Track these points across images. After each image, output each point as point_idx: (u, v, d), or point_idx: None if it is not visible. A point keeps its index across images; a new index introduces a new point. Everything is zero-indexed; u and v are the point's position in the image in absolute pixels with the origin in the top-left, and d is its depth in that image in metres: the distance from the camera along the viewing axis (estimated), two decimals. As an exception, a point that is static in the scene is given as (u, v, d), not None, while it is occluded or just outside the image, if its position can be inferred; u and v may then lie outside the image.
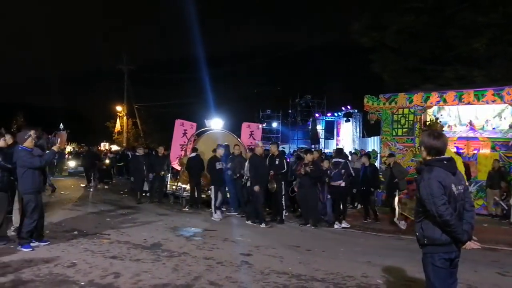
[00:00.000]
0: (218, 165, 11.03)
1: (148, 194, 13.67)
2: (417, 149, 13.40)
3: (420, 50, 20.09)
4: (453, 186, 3.44)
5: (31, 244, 6.61)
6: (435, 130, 4.76)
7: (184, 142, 14.04)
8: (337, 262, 6.67)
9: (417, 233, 3.62)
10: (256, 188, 9.83)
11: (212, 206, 10.85)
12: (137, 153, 14.10)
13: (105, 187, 17.55)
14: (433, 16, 19.01)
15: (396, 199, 10.59)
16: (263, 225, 9.76)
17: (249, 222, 10.07)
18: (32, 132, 6.97)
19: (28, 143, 6.70)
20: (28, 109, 43.25)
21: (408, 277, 5.87)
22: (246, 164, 10.69)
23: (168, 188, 14.19)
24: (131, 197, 14.47)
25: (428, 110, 14.37)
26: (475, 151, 12.80)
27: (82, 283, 5.08)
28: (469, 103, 13.14)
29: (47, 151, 7.28)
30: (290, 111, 25.71)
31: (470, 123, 14.14)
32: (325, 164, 10.56)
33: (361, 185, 11.19)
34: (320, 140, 24.28)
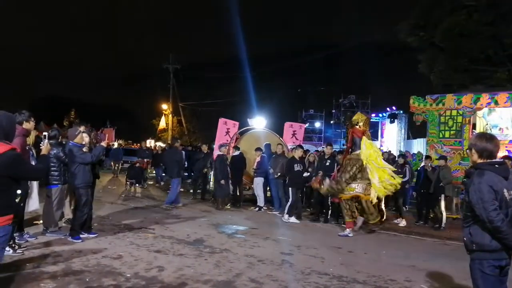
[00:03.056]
0: (297, 167, 10.41)
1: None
2: (465, 152, 12.95)
3: (470, 49, 19.37)
4: (505, 191, 3.30)
5: (81, 236, 6.90)
6: (486, 132, 4.58)
7: (227, 140, 14.20)
8: (379, 265, 6.56)
9: (464, 238, 3.50)
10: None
11: (286, 208, 10.29)
12: (220, 152, 12.08)
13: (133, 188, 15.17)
14: (486, 14, 18.27)
15: (443, 203, 10.32)
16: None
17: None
18: (82, 128, 7.27)
19: (78, 139, 6.98)
20: (78, 105, 45.00)
21: (454, 284, 5.70)
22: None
23: (211, 186, 14.40)
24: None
25: (478, 112, 13.85)
26: (529, 155, 12.22)
27: (128, 275, 5.25)
28: (522, 104, 12.56)
29: (97, 146, 7.56)
30: (334, 111, 25.46)
31: (524, 125, 13.53)
32: None
33: (421, 187, 10.92)
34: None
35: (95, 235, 7.21)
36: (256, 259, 6.39)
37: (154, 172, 19.87)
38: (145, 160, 17.47)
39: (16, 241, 6.02)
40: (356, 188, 8.94)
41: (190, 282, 5.15)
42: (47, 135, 4.70)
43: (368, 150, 9.02)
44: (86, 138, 7.22)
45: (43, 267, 5.35)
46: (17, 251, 5.79)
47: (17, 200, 3.87)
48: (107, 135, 24.08)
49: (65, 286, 4.74)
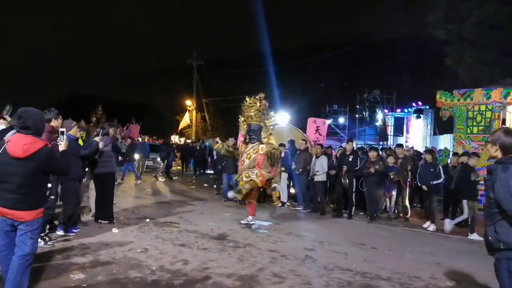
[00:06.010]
0: (473, 176, 9.19)
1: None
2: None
3: (501, 42, 18.83)
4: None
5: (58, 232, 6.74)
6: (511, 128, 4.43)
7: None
8: (403, 262, 6.51)
9: (489, 237, 3.35)
10: None
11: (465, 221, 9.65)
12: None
13: None
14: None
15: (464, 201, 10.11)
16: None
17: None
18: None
19: (74, 131, 6.85)
20: (104, 102, 45.80)
21: (481, 283, 5.60)
22: (314, 159, 10.92)
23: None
24: (198, 188, 14.97)
25: (508, 107, 13.51)
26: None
27: (153, 268, 5.35)
28: (555, 99, 12.21)
29: (91, 141, 7.31)
30: (358, 106, 25.16)
31: (556, 121, 13.14)
32: (391, 161, 10.53)
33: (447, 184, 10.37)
34: (389, 136, 23.61)
35: (77, 229, 6.93)
36: (279, 254, 6.43)
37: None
38: None
39: (47, 233, 6.22)
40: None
41: (214, 275, 5.22)
42: (64, 131, 4.81)
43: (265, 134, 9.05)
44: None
45: (72, 258, 5.51)
46: (48, 242, 5.97)
47: (47, 193, 4.02)
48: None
49: (94, 277, 4.87)
